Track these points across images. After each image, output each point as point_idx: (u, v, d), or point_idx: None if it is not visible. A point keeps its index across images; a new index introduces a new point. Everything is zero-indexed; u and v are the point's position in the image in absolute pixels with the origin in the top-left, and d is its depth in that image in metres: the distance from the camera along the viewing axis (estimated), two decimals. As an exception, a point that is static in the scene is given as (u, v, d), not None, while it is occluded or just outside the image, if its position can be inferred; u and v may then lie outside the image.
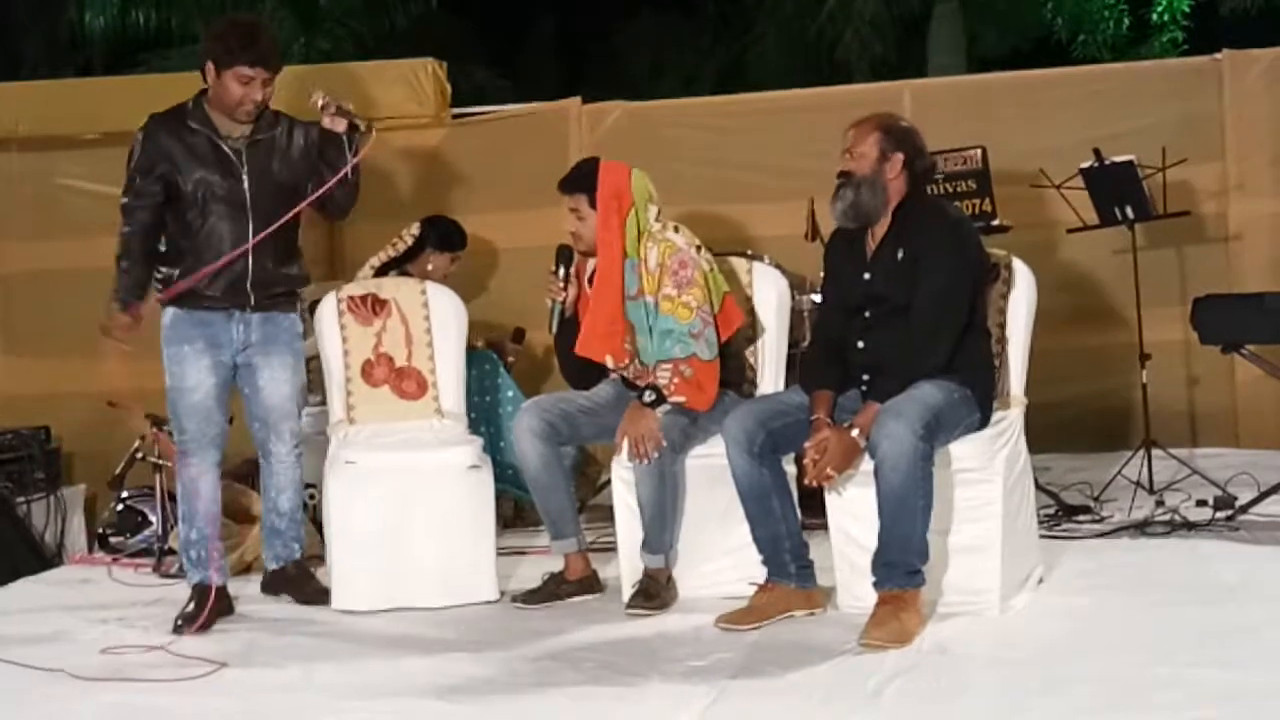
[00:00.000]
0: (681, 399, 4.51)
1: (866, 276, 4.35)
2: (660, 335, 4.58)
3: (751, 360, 4.89)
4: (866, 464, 4.08)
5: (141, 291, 4.74)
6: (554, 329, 4.83)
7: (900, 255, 4.27)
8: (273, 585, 4.99)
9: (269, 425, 4.84)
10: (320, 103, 4.77)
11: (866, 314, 4.35)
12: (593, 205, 4.66)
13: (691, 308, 4.56)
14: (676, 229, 4.70)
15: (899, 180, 4.32)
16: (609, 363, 4.73)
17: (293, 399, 4.88)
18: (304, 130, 4.83)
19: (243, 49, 4.61)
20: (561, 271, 4.78)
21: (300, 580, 4.94)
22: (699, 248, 4.69)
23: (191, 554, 4.70)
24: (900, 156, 4.31)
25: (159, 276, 4.77)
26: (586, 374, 4.83)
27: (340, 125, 4.75)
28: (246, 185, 4.67)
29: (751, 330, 4.87)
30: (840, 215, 4.37)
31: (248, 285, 4.71)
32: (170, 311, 4.78)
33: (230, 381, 4.81)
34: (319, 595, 4.85)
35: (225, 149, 4.67)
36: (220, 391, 4.77)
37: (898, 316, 4.26)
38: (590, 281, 4.77)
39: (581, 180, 4.70)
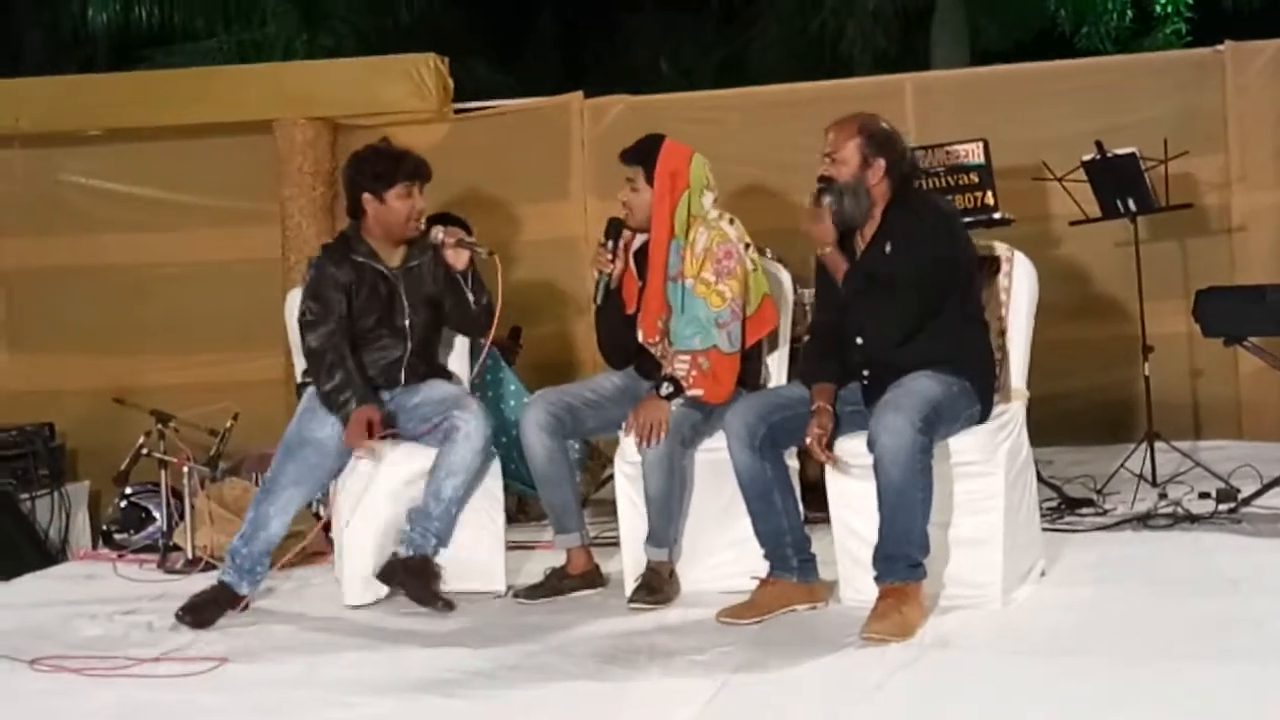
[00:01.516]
0: (699, 392, 4.52)
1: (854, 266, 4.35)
2: (687, 321, 4.59)
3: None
4: (867, 458, 4.08)
5: (368, 397, 4.72)
6: (598, 300, 4.81)
7: (888, 249, 4.27)
8: (391, 574, 4.69)
9: (448, 406, 4.76)
10: (440, 239, 4.86)
11: (859, 309, 4.34)
12: (649, 181, 4.66)
13: (725, 297, 4.56)
14: (732, 221, 4.70)
15: (882, 185, 4.30)
16: (639, 336, 4.73)
17: (459, 389, 4.93)
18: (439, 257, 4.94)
19: (397, 169, 4.81)
20: (610, 244, 4.76)
21: (423, 577, 4.66)
22: (748, 245, 4.69)
23: (237, 560, 4.68)
24: (882, 162, 4.28)
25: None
26: (623, 350, 4.83)
27: (462, 260, 4.85)
28: (407, 311, 4.85)
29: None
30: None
31: (401, 377, 4.89)
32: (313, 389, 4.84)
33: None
34: (434, 599, 4.62)
35: (390, 278, 4.84)
36: (339, 445, 4.72)
37: (890, 304, 4.24)
38: (635, 258, 4.77)
39: (643, 153, 4.70)
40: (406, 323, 4.85)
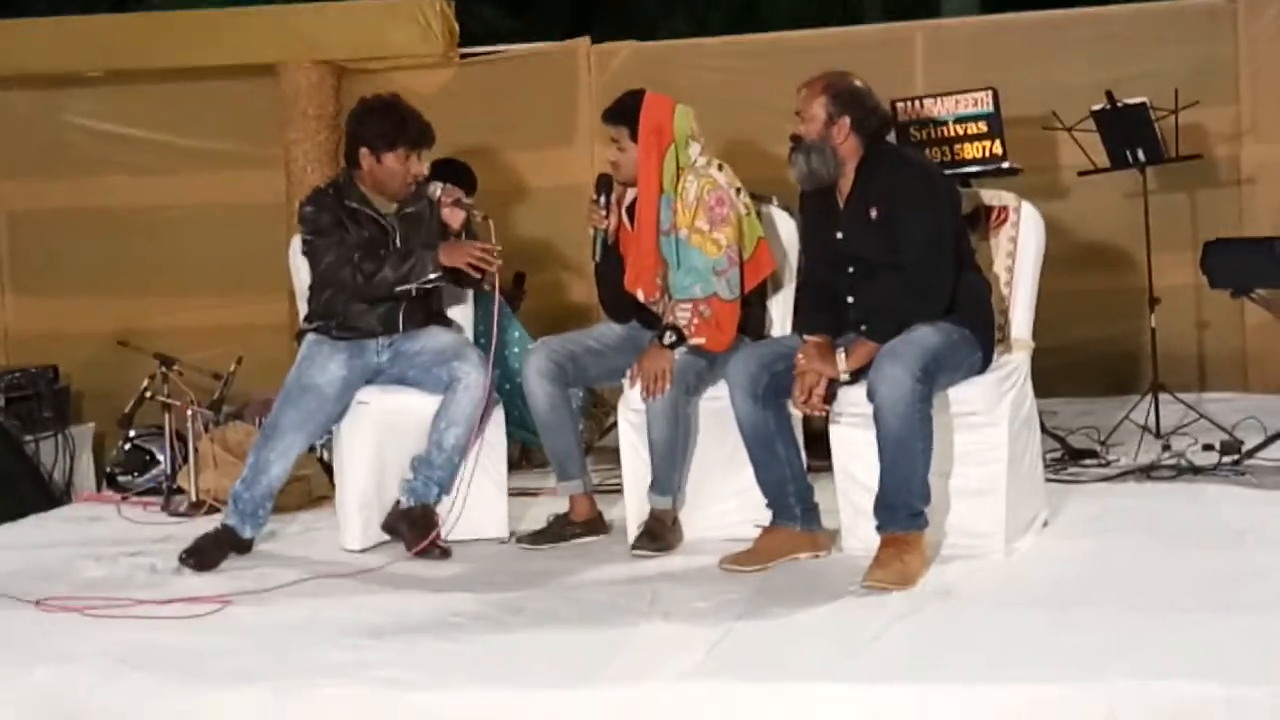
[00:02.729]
0: (701, 340, 4.51)
1: (840, 236, 4.35)
2: (685, 271, 4.57)
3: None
4: (867, 407, 4.07)
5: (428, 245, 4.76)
6: (597, 257, 4.80)
7: (874, 214, 4.25)
8: (393, 523, 4.74)
9: (449, 357, 4.78)
10: (437, 195, 4.84)
11: (850, 270, 4.34)
12: (633, 138, 4.63)
13: (720, 245, 4.54)
14: (720, 167, 4.68)
15: (850, 142, 4.29)
16: (640, 296, 4.72)
17: (459, 338, 4.92)
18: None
19: (399, 133, 4.76)
20: (602, 199, 4.74)
21: (423, 526, 4.68)
22: (739, 190, 4.67)
23: (239, 505, 4.69)
24: (847, 120, 4.27)
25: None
26: (625, 305, 4.81)
27: (457, 219, 4.84)
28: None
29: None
30: (797, 180, 4.39)
31: (399, 324, 4.85)
32: (312, 337, 4.86)
33: (359, 384, 4.80)
34: (432, 548, 4.63)
35: (383, 223, 4.81)
36: (342, 389, 4.75)
37: (883, 272, 4.25)
38: (629, 212, 4.76)
39: (624, 112, 4.67)
40: None
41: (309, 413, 4.73)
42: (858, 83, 4.36)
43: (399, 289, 4.72)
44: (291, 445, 4.73)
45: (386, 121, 4.79)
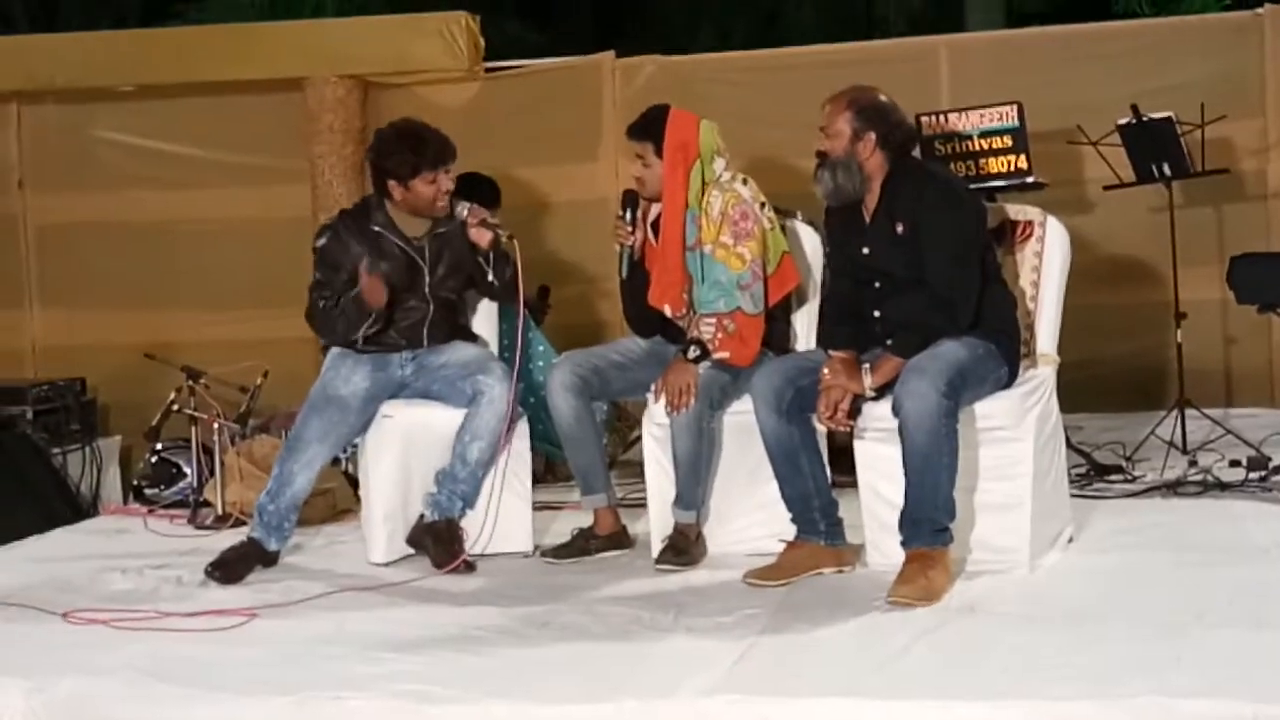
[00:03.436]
0: (725, 354, 4.51)
1: (866, 251, 4.34)
2: (709, 286, 4.58)
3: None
4: (893, 423, 4.07)
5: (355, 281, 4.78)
6: (623, 273, 4.79)
7: (900, 229, 4.25)
8: (418, 537, 4.76)
9: (473, 370, 4.79)
10: (464, 215, 4.85)
11: (876, 285, 4.34)
12: (659, 154, 4.64)
13: (745, 259, 4.55)
14: (745, 181, 4.69)
15: (875, 157, 4.29)
16: (667, 312, 4.73)
17: (483, 352, 4.94)
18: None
19: (420, 158, 4.77)
20: (628, 215, 4.75)
21: (447, 540, 4.69)
22: (763, 204, 4.68)
23: (264, 517, 4.72)
24: (873, 136, 4.27)
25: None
26: (650, 320, 4.82)
27: (485, 238, 4.85)
28: (428, 278, 4.85)
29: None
30: (823, 196, 4.39)
31: (424, 338, 4.89)
32: (337, 350, 4.91)
33: (383, 397, 4.83)
34: (456, 562, 4.62)
35: (408, 248, 4.84)
36: (365, 401, 4.78)
37: (910, 288, 4.25)
38: (654, 228, 4.76)
39: (649, 128, 4.68)
40: (427, 288, 4.85)
41: (332, 424, 4.75)
42: (882, 98, 4.36)
43: (366, 329, 4.77)
44: (315, 456, 4.74)
45: (405, 148, 4.78)
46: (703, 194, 4.63)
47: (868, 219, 4.35)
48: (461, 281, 4.94)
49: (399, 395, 4.87)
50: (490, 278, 4.89)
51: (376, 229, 4.83)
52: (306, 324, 4.91)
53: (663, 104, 4.75)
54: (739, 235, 4.57)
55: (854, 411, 4.22)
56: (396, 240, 4.83)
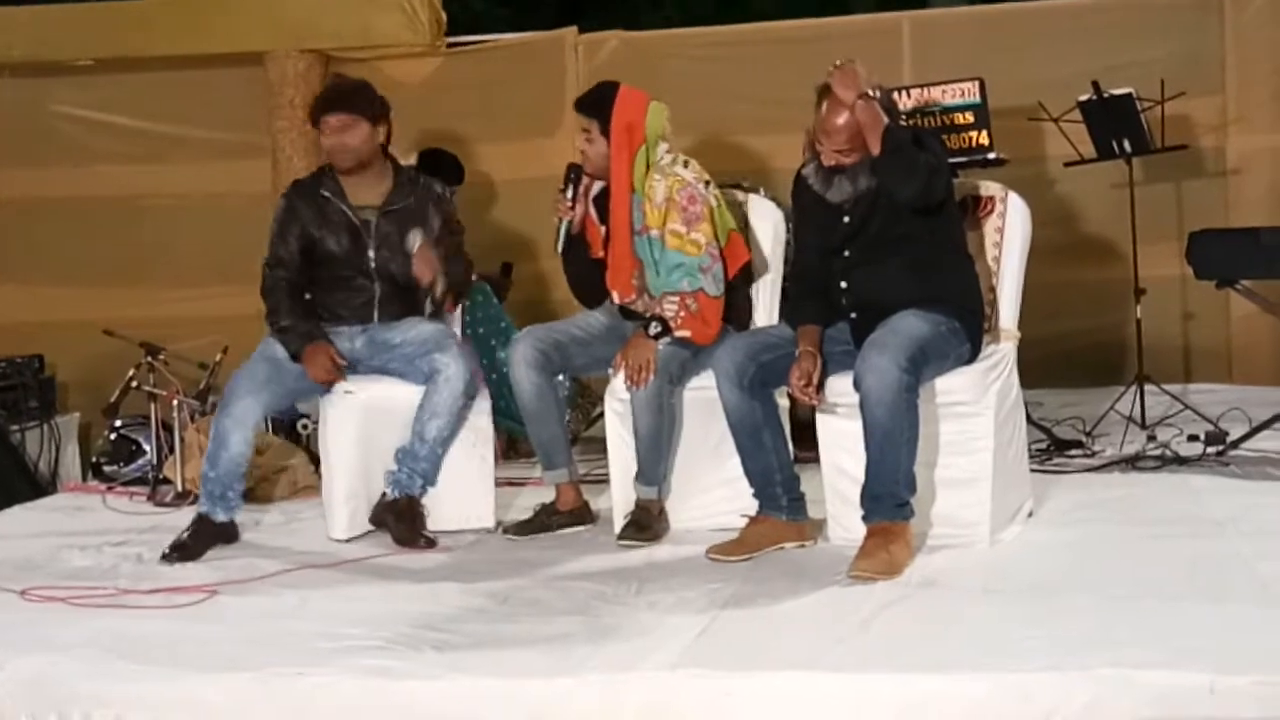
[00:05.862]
0: (686, 333, 4.51)
1: (846, 220, 4.33)
2: (669, 269, 4.56)
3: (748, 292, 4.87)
4: (855, 397, 4.08)
5: (314, 334, 4.75)
6: (560, 248, 4.78)
7: (875, 182, 4.22)
8: (379, 515, 4.75)
9: (430, 348, 4.75)
10: (414, 247, 4.80)
11: (846, 253, 4.33)
12: (604, 133, 4.61)
13: (700, 244, 4.54)
14: (686, 163, 4.66)
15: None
16: (616, 298, 4.72)
17: (440, 330, 4.88)
18: (439, 211, 4.94)
19: (319, 104, 4.84)
20: (570, 190, 4.74)
21: (408, 518, 4.70)
22: (707, 183, 4.66)
23: (209, 487, 4.70)
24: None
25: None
26: (593, 290, 4.82)
27: (426, 276, 4.80)
28: (372, 255, 4.82)
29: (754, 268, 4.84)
30: (841, 200, 4.32)
31: (373, 313, 4.87)
32: None
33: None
34: (416, 539, 4.64)
35: (354, 217, 4.81)
36: (300, 372, 4.73)
37: (878, 250, 4.25)
38: (595, 203, 4.75)
39: (597, 105, 4.65)
40: (372, 264, 4.82)
41: (263, 379, 4.71)
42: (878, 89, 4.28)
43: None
44: (247, 410, 4.67)
45: (317, 99, 4.91)
46: (645, 177, 4.61)
47: (849, 187, 4.30)
48: (409, 265, 4.86)
49: (356, 371, 4.83)
50: (427, 308, 4.91)
51: (325, 194, 4.82)
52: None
53: (613, 81, 4.72)
54: (690, 220, 4.54)
55: (820, 385, 4.22)
56: (343, 207, 4.81)
